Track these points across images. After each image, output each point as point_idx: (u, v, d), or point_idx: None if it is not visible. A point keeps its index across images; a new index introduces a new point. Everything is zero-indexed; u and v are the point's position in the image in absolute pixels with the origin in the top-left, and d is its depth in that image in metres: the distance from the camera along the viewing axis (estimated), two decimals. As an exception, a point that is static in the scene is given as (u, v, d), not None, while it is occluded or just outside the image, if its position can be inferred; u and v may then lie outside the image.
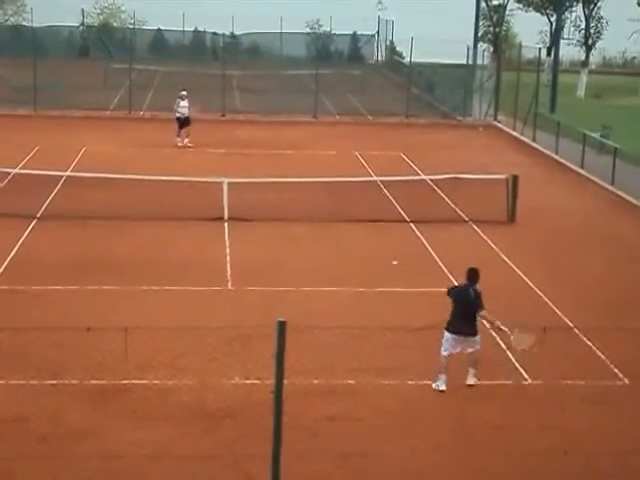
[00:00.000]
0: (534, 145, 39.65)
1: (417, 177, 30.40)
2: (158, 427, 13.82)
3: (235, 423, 14.02)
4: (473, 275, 15.69)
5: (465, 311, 15.41)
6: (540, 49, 49.54)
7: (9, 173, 27.57)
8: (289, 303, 18.88)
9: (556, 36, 55.26)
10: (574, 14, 65.81)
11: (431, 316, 18.48)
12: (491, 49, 65.17)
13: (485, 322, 15.81)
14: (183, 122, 36.95)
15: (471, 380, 15.53)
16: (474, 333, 15.48)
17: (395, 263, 21.64)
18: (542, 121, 41.07)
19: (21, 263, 21.20)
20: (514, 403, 15.13)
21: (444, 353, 15.41)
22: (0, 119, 41.75)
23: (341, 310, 18.89)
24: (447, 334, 15.47)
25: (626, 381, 16.10)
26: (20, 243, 22.67)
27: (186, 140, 36.69)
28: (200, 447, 13.35)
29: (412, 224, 25.49)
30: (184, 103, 37.26)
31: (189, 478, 12.62)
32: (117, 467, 12.66)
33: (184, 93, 37.67)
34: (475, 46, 54.25)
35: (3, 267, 20.78)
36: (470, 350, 15.47)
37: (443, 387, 15.35)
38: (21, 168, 29.23)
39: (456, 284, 16.37)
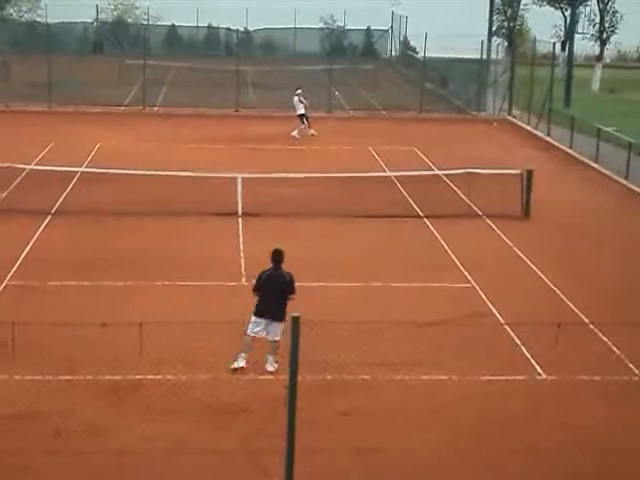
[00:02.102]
0: (548, 140, 39.55)
1: (431, 172, 30.36)
2: (172, 422, 13.84)
3: (249, 418, 14.03)
4: (278, 256, 15.63)
5: (276, 295, 15.37)
6: (554, 43, 49.47)
7: (24, 169, 27.63)
8: (303, 298, 18.81)
9: (570, 30, 55.10)
10: (588, 8, 65.69)
11: (445, 311, 18.54)
12: (505, 44, 65.02)
13: None
14: (302, 117, 38.20)
15: (270, 367, 15.43)
16: (281, 318, 15.20)
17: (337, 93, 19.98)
18: (556, 116, 40.96)
19: (36, 259, 21.25)
20: (528, 399, 15.09)
21: (249, 333, 15.47)
22: (15, 115, 41.94)
23: (355, 305, 18.89)
24: (253, 317, 15.47)
25: (641, 376, 16.06)
26: (35, 239, 22.74)
27: (311, 131, 38.17)
28: (214, 442, 13.37)
29: (426, 219, 25.46)
30: (296, 99, 38.24)
31: (203, 474, 12.64)
32: (131, 463, 12.68)
33: (299, 91, 38.60)
34: (489, 41, 54.09)
35: (18, 263, 20.83)
36: (271, 338, 15.42)
37: (242, 364, 15.43)
38: (36, 164, 29.30)
39: (265, 269, 15.78)
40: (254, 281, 15.85)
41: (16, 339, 15.39)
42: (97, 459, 12.63)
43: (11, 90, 45.02)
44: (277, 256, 15.66)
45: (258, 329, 15.44)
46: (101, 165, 28.81)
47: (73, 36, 70.05)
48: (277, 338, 15.36)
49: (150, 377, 15.15)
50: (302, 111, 38.15)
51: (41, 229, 23.56)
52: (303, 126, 38.05)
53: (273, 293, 15.40)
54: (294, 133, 37.62)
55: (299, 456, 10.88)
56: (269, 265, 15.74)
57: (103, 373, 15.25)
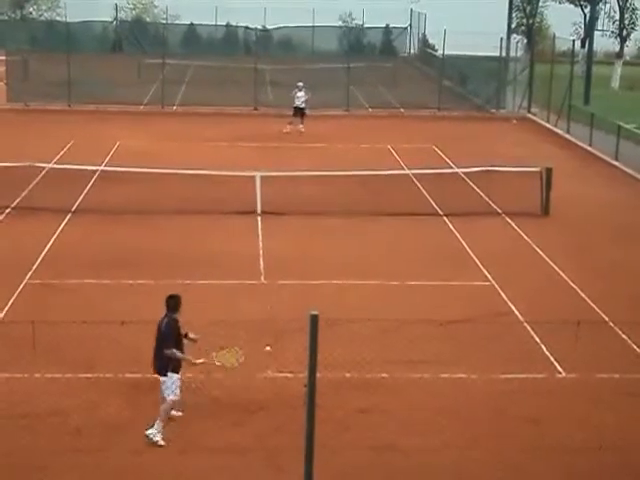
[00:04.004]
0: (568, 137, 39.42)
1: (450, 170, 30.30)
2: (191, 420, 13.86)
3: (267, 416, 14.04)
4: (169, 302, 13.40)
5: (157, 344, 13.29)
6: (574, 41, 49.22)
7: (44, 167, 27.73)
8: (322, 296, 18.88)
9: (590, 27, 54.94)
10: (608, 5, 65.43)
11: (464, 309, 18.51)
12: (524, 41, 64.83)
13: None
14: (298, 111, 37.93)
15: (151, 434, 13.09)
16: (159, 371, 13.23)
17: (268, 349, 18.52)
18: (576, 113, 40.83)
19: (56, 257, 21.33)
20: (548, 397, 15.04)
21: (178, 398, 13.36)
22: (35, 113, 42.10)
23: (374, 303, 18.87)
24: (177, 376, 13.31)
25: (661, 375, 15.98)
26: (54, 237, 22.81)
27: (301, 128, 37.64)
28: (232, 440, 13.38)
29: (445, 217, 25.42)
30: (300, 94, 38.00)
31: (221, 471, 12.66)
32: (150, 460, 12.71)
33: (300, 84, 38.34)
34: (508, 38, 54.01)
35: (38, 261, 20.91)
36: (161, 394, 13.29)
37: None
38: (56, 162, 29.39)
39: (168, 321, 13.49)
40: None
41: (36, 337, 15.45)
42: (117, 457, 12.68)
43: (31, 89, 45.17)
44: (169, 302, 13.45)
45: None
46: (120, 164, 28.88)
47: (92, 35, 70.17)
48: (165, 395, 13.20)
49: (169, 375, 15.14)
50: (303, 105, 38.03)
51: (61, 227, 23.64)
52: (294, 120, 37.97)
53: (156, 342, 13.33)
54: (302, 128, 37.64)
55: (316, 454, 10.87)
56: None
57: (123, 371, 15.29)
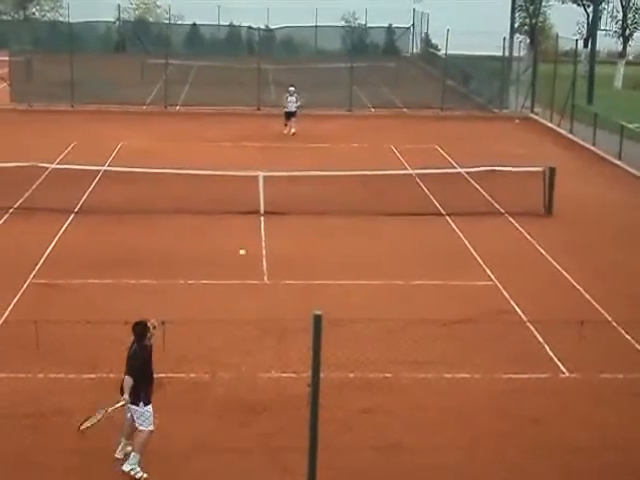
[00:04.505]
0: (571, 137, 39.41)
1: (453, 170, 30.30)
2: (195, 420, 13.88)
3: (271, 416, 14.05)
4: (135, 330, 12.56)
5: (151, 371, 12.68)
6: (577, 40, 49.24)
7: (47, 168, 27.75)
8: (325, 296, 18.89)
9: (593, 27, 54.89)
10: (611, 5, 65.42)
11: (467, 309, 18.51)
12: (527, 41, 64.81)
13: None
14: (289, 115, 38.17)
15: (120, 454, 12.61)
16: (133, 400, 12.42)
17: (242, 252, 19.67)
18: (579, 113, 40.81)
19: (59, 257, 21.35)
20: (551, 396, 15.05)
21: (153, 428, 12.56)
22: (38, 114, 42.14)
23: (377, 303, 18.88)
24: (149, 406, 12.55)
25: (665, 374, 15.98)
26: (57, 238, 22.83)
27: (292, 130, 37.89)
28: (236, 440, 13.40)
29: (448, 217, 25.42)
30: (292, 98, 38.18)
31: (226, 471, 12.66)
32: (155, 460, 12.71)
33: (292, 89, 38.44)
34: (511, 38, 53.97)
35: (41, 262, 20.93)
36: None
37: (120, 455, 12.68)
38: (59, 163, 29.41)
39: (135, 349, 12.68)
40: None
41: (40, 337, 15.48)
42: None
43: (34, 89, 45.21)
44: (135, 329, 12.62)
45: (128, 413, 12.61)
46: (123, 164, 28.90)
47: (95, 35, 70.23)
48: (137, 426, 12.46)
49: (172, 375, 15.18)
50: (294, 109, 38.21)
51: (64, 228, 23.66)
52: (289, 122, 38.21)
53: (149, 369, 12.66)
54: (293, 130, 37.77)
55: (320, 453, 10.87)
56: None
57: (126, 371, 15.29)
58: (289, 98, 38.20)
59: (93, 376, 15.08)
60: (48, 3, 77.22)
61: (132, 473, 12.34)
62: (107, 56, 60.81)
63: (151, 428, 12.43)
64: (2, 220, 24.17)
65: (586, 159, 35.39)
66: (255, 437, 13.48)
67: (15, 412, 13.89)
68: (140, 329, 12.49)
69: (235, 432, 13.63)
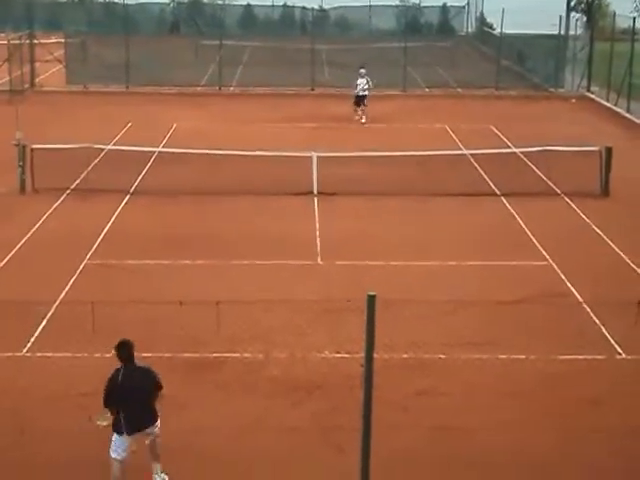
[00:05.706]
0: (628, 116, 38.89)
1: (508, 150, 30.05)
2: (249, 400, 13.95)
3: (325, 396, 14.09)
4: (126, 350, 11.90)
5: (142, 399, 11.72)
6: (635, 18, 48.44)
7: (103, 149, 27.97)
8: (379, 277, 18.87)
9: (651, 4, 54.02)
10: (670, -20, 64.32)
11: (522, 290, 18.38)
12: (584, 19, 64.01)
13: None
14: (360, 100, 36.57)
15: (158, 478, 11.99)
16: (155, 420, 11.88)
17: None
18: (637, 91, 40.24)
19: (114, 238, 21.52)
20: (608, 378, 14.92)
21: (118, 458, 11.68)
22: (94, 96, 42.46)
23: (431, 284, 18.81)
24: (119, 437, 11.65)
25: None
26: (113, 218, 23.02)
27: (363, 119, 36.25)
28: (290, 420, 13.45)
29: (503, 197, 25.23)
30: (361, 81, 36.52)
31: (280, 451, 12.72)
32: (208, 440, 12.81)
33: (362, 71, 36.88)
34: (568, 16, 53.24)
35: (97, 242, 21.12)
36: (152, 436, 11.95)
37: None
38: (114, 144, 29.63)
39: (113, 375, 11.89)
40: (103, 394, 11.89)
41: (96, 317, 15.62)
42: (175, 436, 12.73)
43: (89, 71, 45.52)
44: (125, 350, 11.91)
45: (128, 447, 11.77)
46: (178, 145, 29.04)
47: (150, 17, 70.57)
48: (157, 431, 11.94)
49: (227, 355, 15.28)
50: (362, 93, 36.61)
51: (120, 209, 23.84)
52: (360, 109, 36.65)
53: (138, 398, 11.67)
54: (363, 119, 36.64)
55: (374, 433, 10.87)
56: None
57: (181, 351, 15.42)
58: (359, 80, 36.60)
59: (149, 355, 15.17)
60: (103, -15, 77.58)
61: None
62: (161, 37, 61.02)
63: (115, 456, 11.63)
64: (59, 201, 24.41)
65: (644, 138, 34.93)
66: (308, 416, 13.53)
67: (71, 391, 14.05)
68: (127, 351, 11.85)
69: (288, 411, 13.69)
